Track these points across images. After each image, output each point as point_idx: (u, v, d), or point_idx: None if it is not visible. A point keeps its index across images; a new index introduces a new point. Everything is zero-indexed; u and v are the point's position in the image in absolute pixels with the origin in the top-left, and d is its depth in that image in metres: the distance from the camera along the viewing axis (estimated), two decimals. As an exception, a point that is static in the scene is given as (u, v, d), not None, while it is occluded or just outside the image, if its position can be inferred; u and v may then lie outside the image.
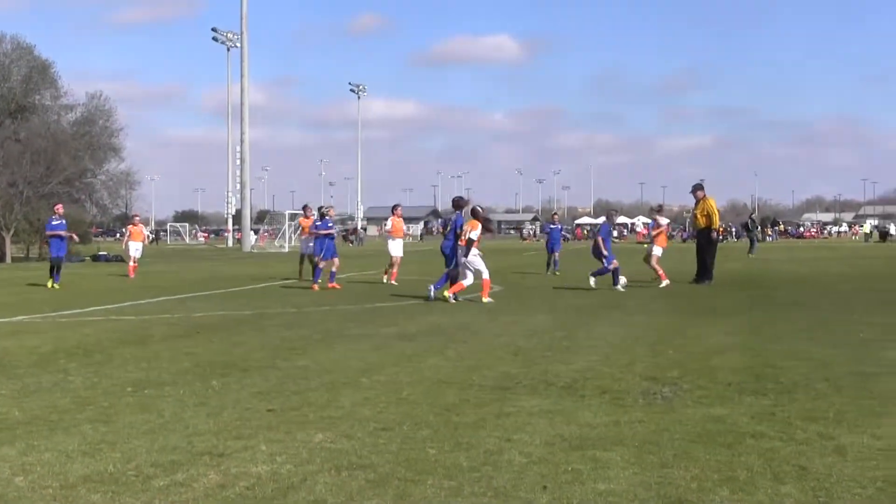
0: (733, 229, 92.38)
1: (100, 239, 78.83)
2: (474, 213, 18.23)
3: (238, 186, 76.11)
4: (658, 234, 22.66)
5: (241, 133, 70.30)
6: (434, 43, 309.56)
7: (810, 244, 76.09)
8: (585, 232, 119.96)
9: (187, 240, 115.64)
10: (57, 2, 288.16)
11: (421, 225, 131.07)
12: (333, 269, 21.39)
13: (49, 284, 22.79)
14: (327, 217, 22.58)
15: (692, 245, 25.67)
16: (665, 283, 20.83)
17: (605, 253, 20.07)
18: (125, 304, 17.74)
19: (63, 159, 45.63)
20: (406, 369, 9.16)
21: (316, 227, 22.01)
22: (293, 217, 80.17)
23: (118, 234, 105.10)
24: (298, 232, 28.25)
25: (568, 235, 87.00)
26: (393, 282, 22.64)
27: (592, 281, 19.83)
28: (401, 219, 24.77)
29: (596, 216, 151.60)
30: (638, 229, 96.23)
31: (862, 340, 11.09)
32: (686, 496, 4.91)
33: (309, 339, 11.83)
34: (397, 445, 6.00)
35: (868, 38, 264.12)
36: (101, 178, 51.07)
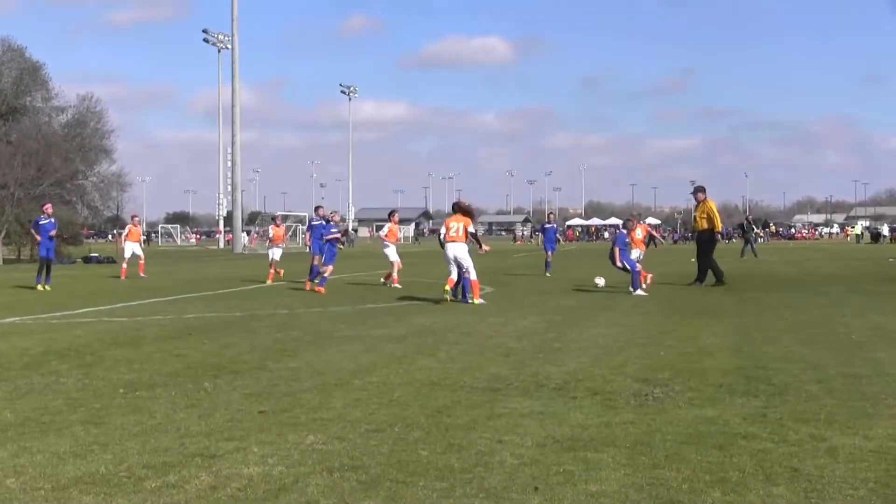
0: (724, 231, 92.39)
1: (91, 241, 78.62)
2: (460, 208, 18.17)
3: (229, 188, 76.06)
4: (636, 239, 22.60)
5: (233, 135, 70.13)
6: (425, 44, 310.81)
7: (802, 245, 76.26)
8: (577, 233, 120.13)
9: (178, 241, 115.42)
10: (48, 3, 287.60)
11: (412, 227, 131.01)
12: (326, 275, 21.36)
13: (39, 287, 22.58)
14: (332, 222, 22.67)
15: (681, 247, 25.68)
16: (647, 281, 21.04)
17: (619, 265, 19.98)
18: (116, 305, 17.70)
19: (54, 161, 45.57)
20: (397, 371, 9.15)
21: (329, 231, 21.97)
22: (284, 219, 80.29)
23: (110, 236, 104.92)
24: (268, 242, 28.49)
25: (559, 238, 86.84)
26: (396, 285, 22.59)
27: (638, 292, 19.20)
28: (397, 225, 24.79)
29: (587, 218, 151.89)
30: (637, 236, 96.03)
31: (853, 342, 11.11)
32: (678, 497, 4.92)
33: (300, 340, 11.82)
34: (389, 447, 6.00)
35: (859, 39, 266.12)
36: (92, 180, 51.06)
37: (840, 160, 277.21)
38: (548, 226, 29.53)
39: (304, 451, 5.89)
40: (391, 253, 23.49)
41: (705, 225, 22.24)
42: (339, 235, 22.61)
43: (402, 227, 44.05)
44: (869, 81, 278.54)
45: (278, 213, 30.78)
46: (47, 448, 6.02)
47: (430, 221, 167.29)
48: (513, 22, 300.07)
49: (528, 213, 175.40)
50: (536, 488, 5.08)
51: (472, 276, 17.41)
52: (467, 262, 17.41)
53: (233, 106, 69.55)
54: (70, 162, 47.89)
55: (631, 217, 23.19)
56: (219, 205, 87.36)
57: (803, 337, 11.66)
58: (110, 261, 43.33)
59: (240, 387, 8.30)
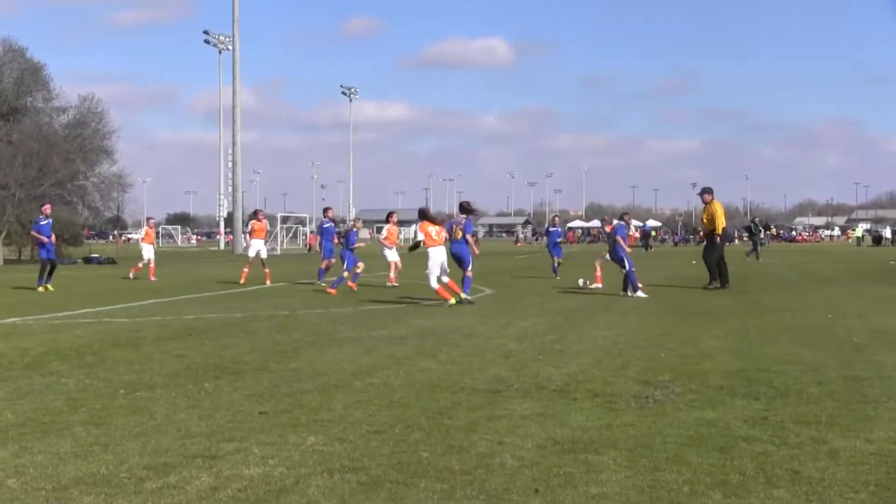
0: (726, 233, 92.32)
1: (92, 241, 78.64)
2: (426, 215, 19.12)
3: (230, 189, 76.00)
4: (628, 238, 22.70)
5: (233, 135, 70.09)
6: (426, 45, 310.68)
7: (803, 248, 76.22)
8: (578, 235, 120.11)
9: (179, 242, 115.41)
10: (49, 4, 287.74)
11: (413, 228, 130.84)
12: (344, 275, 21.38)
13: (41, 288, 22.50)
14: (354, 230, 23.05)
15: (683, 248, 25.69)
16: (597, 285, 21.33)
17: (623, 255, 20.02)
18: (117, 306, 17.69)
19: (55, 161, 45.59)
20: (398, 372, 9.15)
21: (353, 241, 22.08)
22: (285, 220, 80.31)
23: (110, 237, 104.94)
24: (248, 235, 28.73)
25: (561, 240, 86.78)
26: (394, 283, 22.70)
27: (636, 294, 19.17)
28: (396, 226, 24.83)
29: (588, 220, 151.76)
30: (630, 232, 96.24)
31: (854, 344, 11.11)
32: (678, 500, 4.92)
33: (301, 341, 11.82)
34: (389, 448, 6.00)
35: (861, 41, 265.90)
36: (92, 181, 51.03)
37: (841, 162, 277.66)
38: (552, 229, 29.45)
39: (305, 453, 5.89)
40: (391, 253, 23.55)
41: (711, 226, 22.25)
42: (362, 245, 22.91)
43: (401, 228, 43.99)
44: (871, 83, 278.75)
45: (260, 209, 31.08)
46: (48, 448, 6.02)
47: (447, 224, 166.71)
48: (514, 23, 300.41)
49: (529, 214, 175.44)
50: (537, 490, 5.08)
51: (434, 282, 17.69)
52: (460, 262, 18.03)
53: (233, 107, 69.54)
54: (71, 162, 47.89)
55: (626, 214, 23.57)
56: (219, 206, 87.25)
57: (804, 339, 11.66)
58: (111, 261, 43.36)
59: (240, 388, 8.29)
